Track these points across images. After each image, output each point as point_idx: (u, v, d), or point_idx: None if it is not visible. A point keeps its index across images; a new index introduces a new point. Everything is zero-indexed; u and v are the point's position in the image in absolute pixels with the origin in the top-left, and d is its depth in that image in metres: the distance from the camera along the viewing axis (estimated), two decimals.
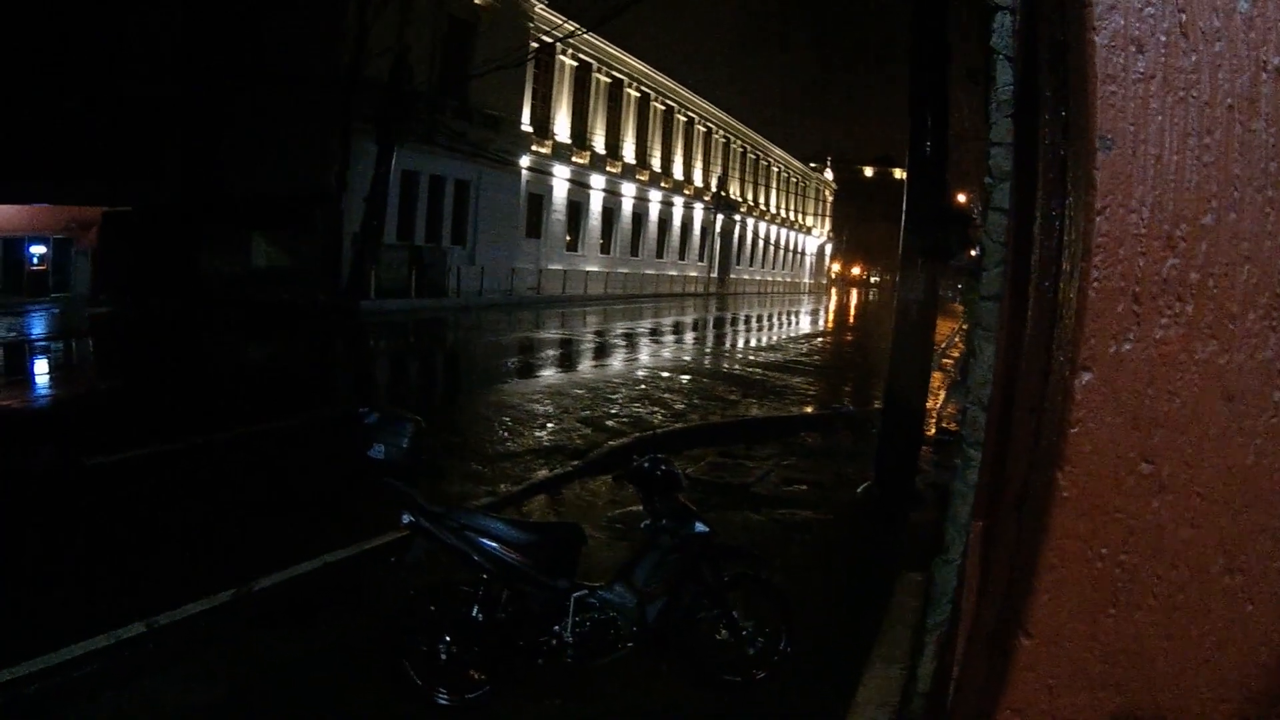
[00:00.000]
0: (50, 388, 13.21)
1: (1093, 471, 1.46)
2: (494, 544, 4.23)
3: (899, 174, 69.33)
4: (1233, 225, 1.43)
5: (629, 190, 49.85)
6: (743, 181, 67.60)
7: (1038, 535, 1.50)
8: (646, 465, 4.62)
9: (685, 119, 56.88)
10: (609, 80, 46.93)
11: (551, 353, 20.41)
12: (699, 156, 59.28)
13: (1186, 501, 1.44)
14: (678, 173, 56.30)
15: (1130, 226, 1.44)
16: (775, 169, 76.15)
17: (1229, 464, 1.43)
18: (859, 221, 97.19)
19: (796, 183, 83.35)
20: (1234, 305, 1.42)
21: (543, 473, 8.86)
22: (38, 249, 24.48)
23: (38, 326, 19.10)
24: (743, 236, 68.67)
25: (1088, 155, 1.47)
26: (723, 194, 60.97)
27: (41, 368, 14.76)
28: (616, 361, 19.57)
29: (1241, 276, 1.43)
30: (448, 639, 4.32)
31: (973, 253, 12.62)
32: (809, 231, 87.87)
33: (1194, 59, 1.43)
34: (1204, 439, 1.43)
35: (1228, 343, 1.42)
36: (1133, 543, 1.46)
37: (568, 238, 44.88)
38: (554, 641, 4.38)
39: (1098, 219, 1.45)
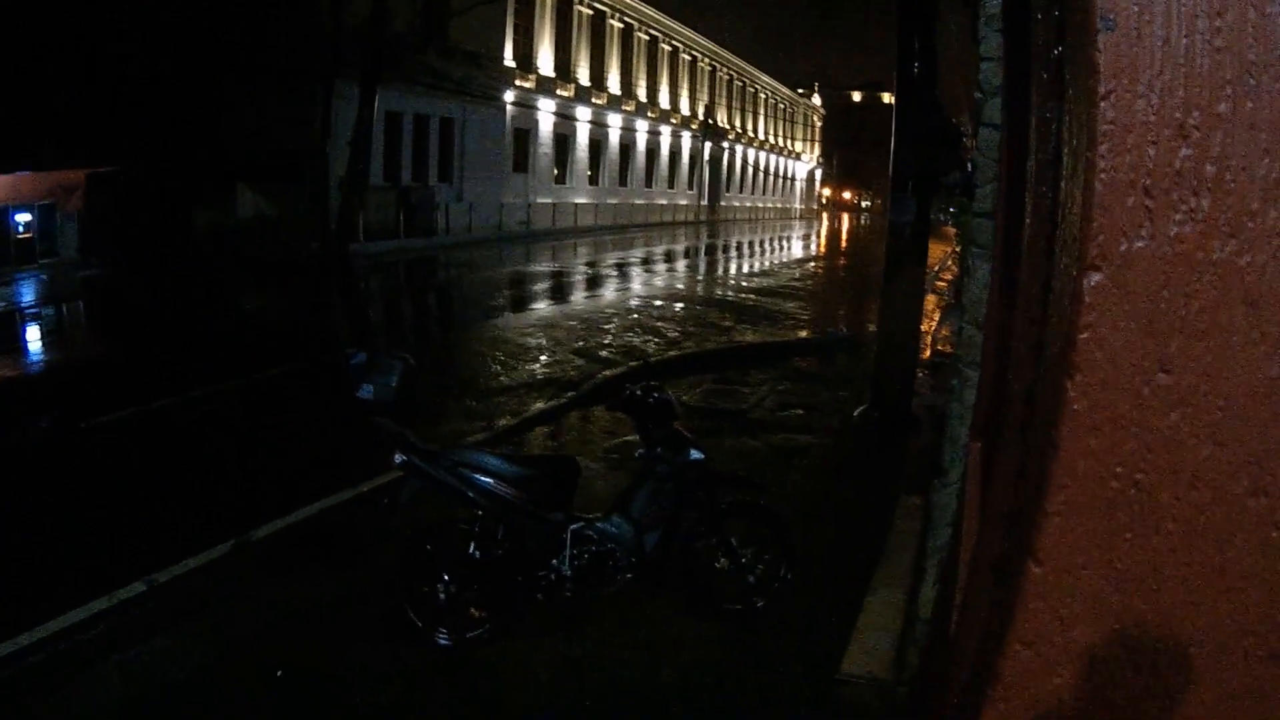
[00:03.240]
0: (42, 353, 13.08)
1: (1105, 381, 1.35)
2: (489, 480, 4.19)
3: (888, 99, 68.41)
4: (1250, 114, 1.31)
5: (615, 121, 49.14)
6: (730, 109, 66.66)
7: (1046, 453, 1.39)
8: (639, 393, 4.56)
9: (670, 48, 55.89)
10: (591, 12, 45.95)
11: (543, 286, 20.29)
12: (685, 85, 58.39)
13: (1207, 415, 1.33)
14: (664, 102, 55.47)
15: (1138, 113, 1.32)
16: (763, 96, 75.15)
17: (1253, 375, 1.32)
18: (849, 146, 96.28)
19: (785, 109, 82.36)
20: (1254, 201, 1.31)
21: (538, 406, 8.81)
22: (22, 217, 24.06)
23: (27, 294, 18.88)
24: (732, 164, 67.92)
25: (1088, 39, 1.35)
26: (711, 122, 60.22)
27: (33, 334, 14.59)
28: (609, 292, 19.45)
29: (1260, 170, 1.31)
30: (446, 578, 4.30)
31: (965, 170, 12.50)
32: (798, 157, 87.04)
33: None
34: (1225, 347, 1.32)
35: (1248, 241, 1.31)
36: (1150, 460, 1.35)
37: (555, 171, 44.34)
38: (552, 575, 4.36)
39: (1102, 104, 1.33)
